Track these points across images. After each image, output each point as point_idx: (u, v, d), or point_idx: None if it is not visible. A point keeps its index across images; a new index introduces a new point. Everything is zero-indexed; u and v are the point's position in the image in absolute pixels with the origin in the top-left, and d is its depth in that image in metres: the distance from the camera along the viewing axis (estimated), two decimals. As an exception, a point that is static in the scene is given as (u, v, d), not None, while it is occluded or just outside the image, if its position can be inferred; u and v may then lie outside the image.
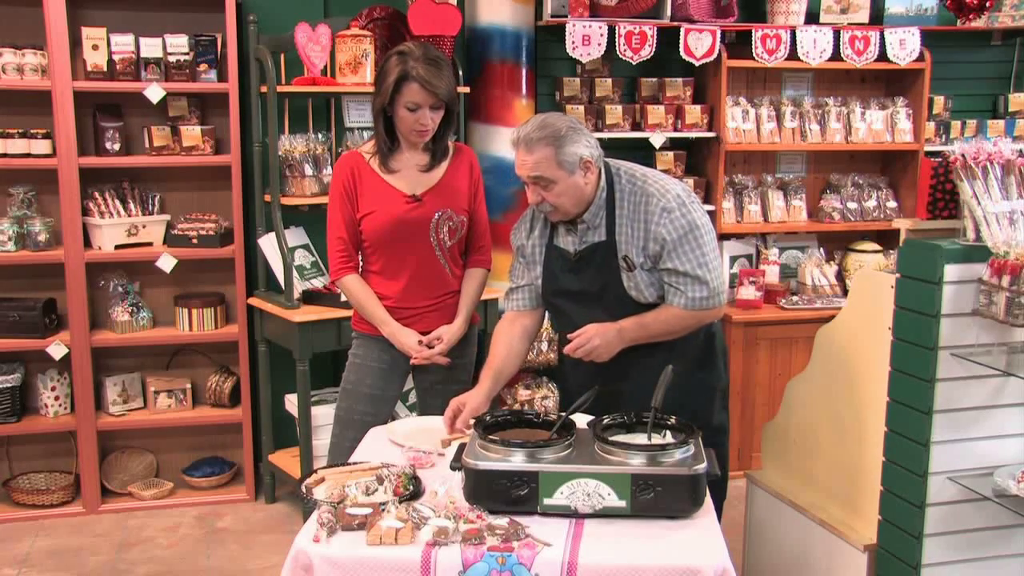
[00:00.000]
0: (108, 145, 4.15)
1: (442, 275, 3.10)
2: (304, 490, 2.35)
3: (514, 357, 2.86)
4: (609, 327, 2.69)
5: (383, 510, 2.13)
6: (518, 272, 2.92)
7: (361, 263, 3.17)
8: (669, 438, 2.34)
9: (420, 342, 3.04)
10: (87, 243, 4.18)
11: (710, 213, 4.67)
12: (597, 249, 2.72)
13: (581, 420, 2.41)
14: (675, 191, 2.69)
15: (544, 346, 4.48)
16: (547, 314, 2.98)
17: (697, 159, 4.84)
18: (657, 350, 2.73)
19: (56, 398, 4.28)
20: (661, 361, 2.59)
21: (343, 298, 3.84)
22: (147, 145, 4.22)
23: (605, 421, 2.38)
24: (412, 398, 4.04)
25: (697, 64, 4.55)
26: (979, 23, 4.73)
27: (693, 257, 2.65)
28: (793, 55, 4.63)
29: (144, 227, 4.27)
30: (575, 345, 2.70)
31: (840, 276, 4.85)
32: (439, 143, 3.05)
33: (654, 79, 4.72)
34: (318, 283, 4.25)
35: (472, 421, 2.55)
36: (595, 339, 2.68)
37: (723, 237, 4.80)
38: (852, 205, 4.92)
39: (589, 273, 2.74)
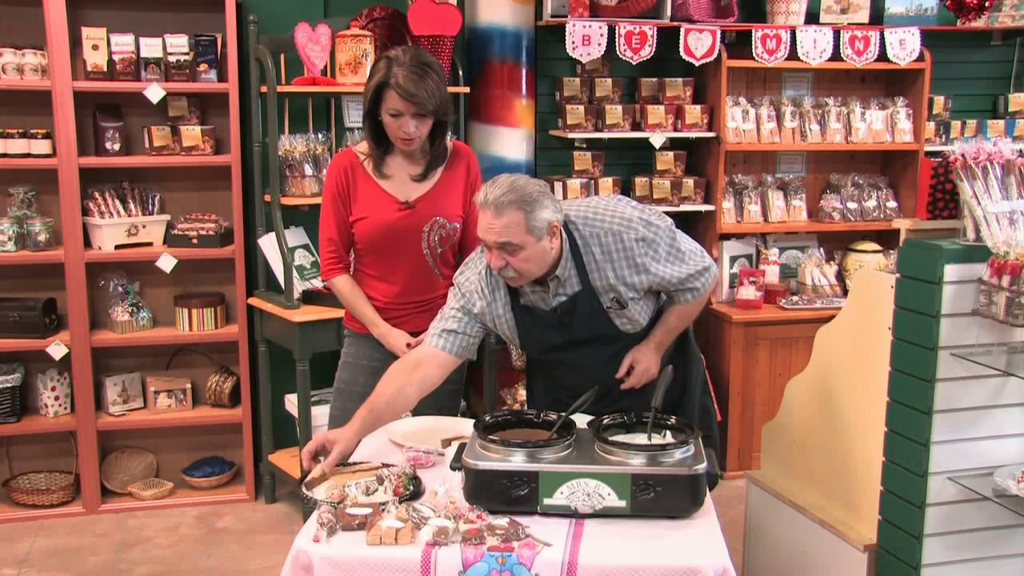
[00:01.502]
0: (108, 145, 4.15)
1: (432, 279, 3.09)
2: (304, 488, 2.35)
3: (398, 406, 2.62)
4: (647, 348, 2.75)
5: (383, 510, 2.13)
6: (461, 320, 2.68)
7: (354, 264, 3.17)
8: (669, 438, 2.34)
9: (409, 345, 3.03)
10: (87, 243, 4.18)
11: (710, 213, 4.72)
12: (577, 299, 2.62)
13: (581, 420, 2.41)
14: (632, 215, 2.61)
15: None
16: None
17: (697, 159, 4.84)
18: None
19: (56, 398, 4.28)
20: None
21: (343, 298, 3.84)
22: (147, 145, 4.22)
23: (605, 421, 2.38)
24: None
25: (697, 64, 4.55)
26: (979, 23, 4.74)
27: (682, 258, 2.65)
28: (793, 55, 4.63)
29: (144, 227, 4.27)
30: (636, 381, 2.75)
31: (840, 276, 4.85)
32: (432, 152, 3.01)
33: (654, 79, 4.72)
34: (318, 283, 4.25)
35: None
36: (643, 363, 2.74)
37: (723, 237, 4.80)
38: (852, 205, 4.92)
39: (575, 324, 2.65)
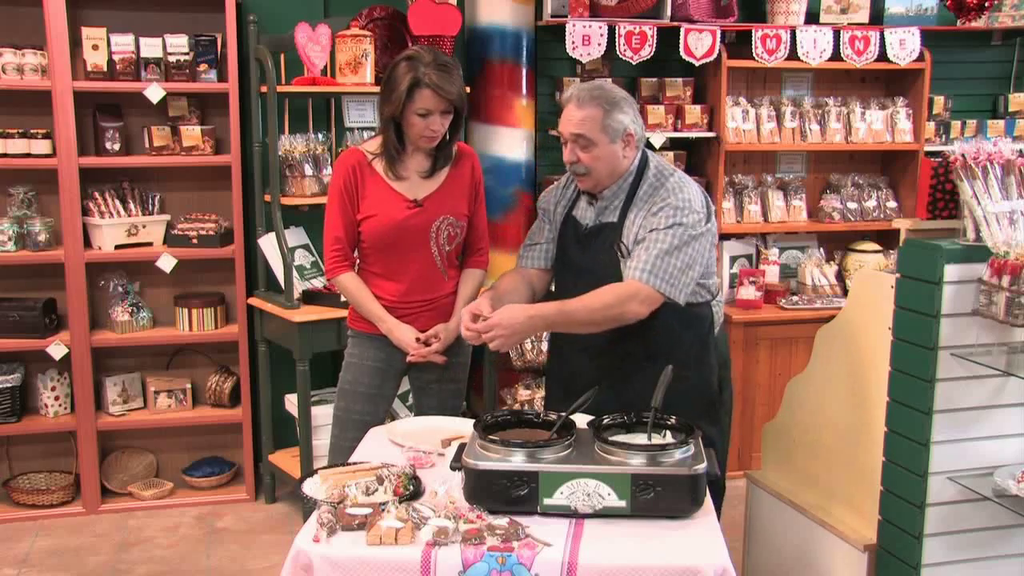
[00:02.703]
0: (108, 145, 4.15)
1: (439, 278, 3.10)
2: (304, 492, 2.35)
3: (516, 295, 2.81)
4: (518, 316, 2.60)
5: (383, 510, 2.13)
6: (537, 230, 2.96)
7: (359, 263, 3.17)
8: (669, 438, 2.34)
9: (418, 339, 3.04)
10: (87, 243, 4.18)
11: (710, 213, 4.72)
12: (605, 229, 2.73)
13: (581, 420, 2.41)
14: (689, 195, 2.67)
15: (544, 346, 4.48)
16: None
17: (697, 159, 4.84)
18: (637, 356, 2.72)
19: (56, 398, 4.28)
20: (641, 363, 2.66)
21: (343, 298, 3.84)
22: (147, 145, 4.22)
23: (605, 421, 2.38)
24: (412, 398, 4.05)
25: (697, 64, 4.55)
26: (979, 23, 4.74)
27: (665, 243, 2.60)
28: (793, 55, 4.63)
29: (144, 227, 4.27)
30: (472, 335, 2.64)
31: (840, 276, 4.85)
32: (444, 148, 3.04)
33: (654, 79, 4.72)
34: (318, 283, 4.25)
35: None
36: (498, 329, 2.59)
37: (723, 237, 4.80)
38: (852, 205, 4.92)
39: (593, 250, 2.75)
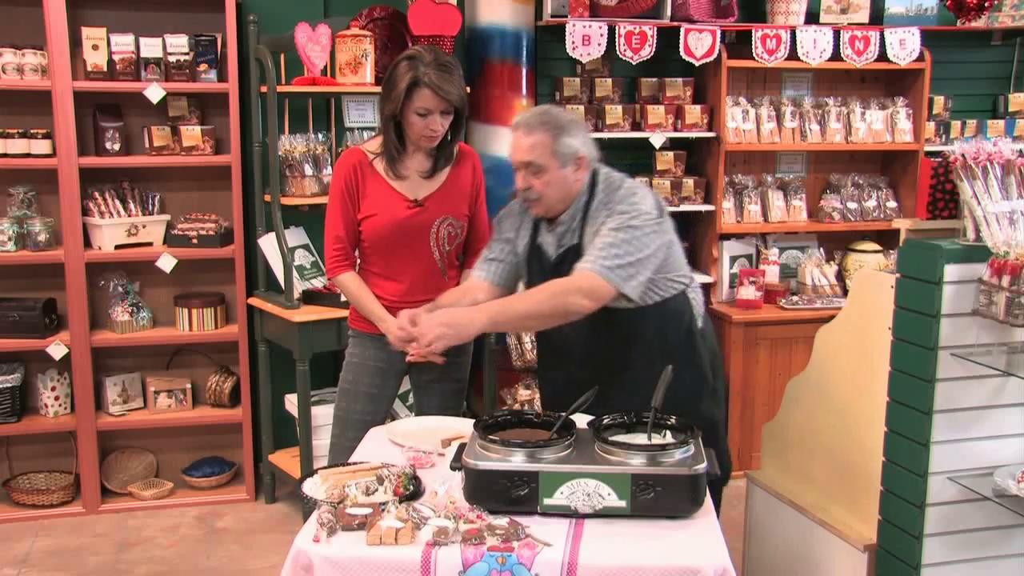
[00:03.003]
0: (108, 145, 4.15)
1: (439, 278, 3.10)
2: (304, 492, 2.35)
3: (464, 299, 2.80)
4: (457, 313, 2.62)
5: (383, 510, 2.13)
6: (497, 249, 2.90)
7: (359, 262, 3.17)
8: (669, 438, 2.34)
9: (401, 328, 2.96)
10: (87, 243, 4.18)
11: (710, 213, 4.72)
12: (569, 253, 2.71)
13: (581, 420, 2.41)
14: (637, 199, 2.64)
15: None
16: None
17: (697, 159, 4.84)
18: (630, 351, 2.72)
19: (56, 398, 4.28)
20: (640, 362, 2.65)
21: (343, 298, 3.84)
22: (147, 145, 4.22)
23: (605, 421, 2.38)
24: (412, 398, 4.05)
25: (697, 64, 4.55)
26: (979, 23, 4.74)
27: (610, 238, 2.58)
28: (793, 55, 4.63)
29: (144, 227, 4.27)
30: (407, 331, 2.63)
31: (840, 276, 4.85)
32: (445, 148, 3.04)
33: (654, 79, 4.72)
34: (318, 283, 4.25)
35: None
36: (440, 328, 2.56)
37: (723, 237, 4.80)
38: (852, 205, 4.92)
39: (563, 276, 2.68)
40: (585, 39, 4.39)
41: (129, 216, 4.23)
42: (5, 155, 4.05)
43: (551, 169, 2.64)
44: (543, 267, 2.78)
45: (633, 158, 4.83)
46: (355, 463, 2.51)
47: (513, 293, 2.92)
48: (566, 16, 4.41)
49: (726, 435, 3.06)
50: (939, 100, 5.04)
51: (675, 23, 4.49)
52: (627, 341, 2.74)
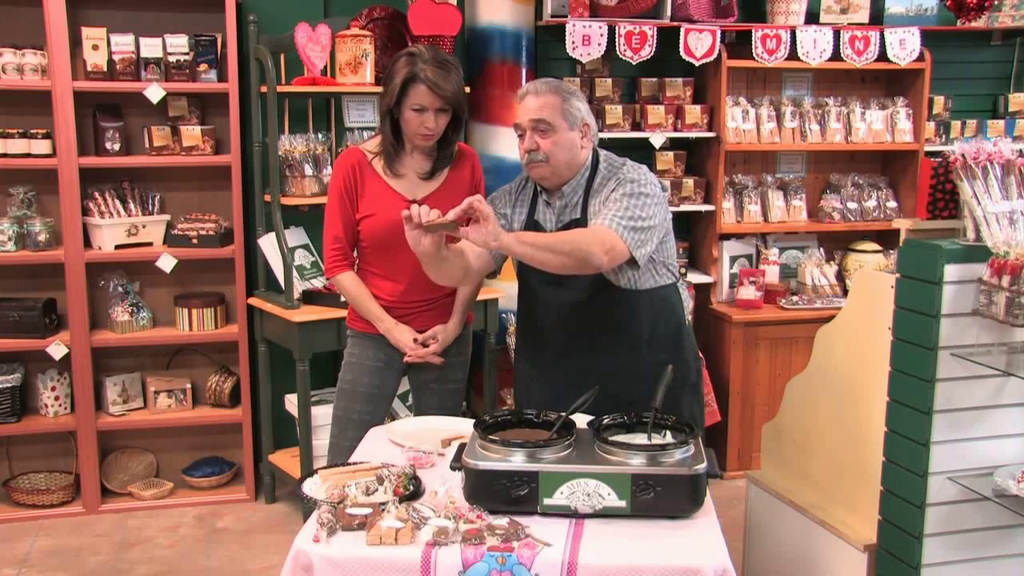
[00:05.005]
0: (108, 145, 4.15)
1: None
2: (304, 492, 2.35)
3: (449, 263, 2.66)
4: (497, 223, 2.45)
5: (383, 510, 2.13)
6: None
7: (358, 262, 3.17)
8: (669, 438, 2.34)
9: (416, 340, 3.04)
10: (87, 243, 4.18)
11: (710, 213, 4.72)
12: (571, 227, 2.72)
13: (581, 420, 2.41)
14: (643, 174, 2.70)
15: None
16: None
17: (697, 159, 4.84)
18: (624, 345, 2.73)
19: (56, 398, 4.28)
20: (632, 357, 2.66)
21: (343, 298, 3.84)
22: (147, 145, 4.22)
23: (605, 421, 2.38)
24: (412, 398, 4.05)
25: (697, 64, 4.55)
26: (979, 23, 4.74)
27: (625, 203, 2.59)
28: (793, 55, 4.63)
29: (144, 227, 4.27)
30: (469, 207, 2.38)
31: (840, 276, 4.85)
32: (444, 149, 3.04)
33: (654, 79, 4.72)
34: (318, 283, 4.25)
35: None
36: (493, 217, 2.40)
37: (723, 237, 4.80)
38: (852, 205, 4.92)
39: None
40: (585, 39, 4.39)
41: (129, 216, 4.23)
42: (5, 155, 4.05)
43: (560, 129, 2.66)
44: None
45: (633, 158, 4.74)
46: (355, 463, 2.51)
47: (500, 271, 2.92)
48: (566, 16, 4.41)
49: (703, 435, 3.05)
50: (939, 100, 5.04)
51: (675, 23, 4.49)
52: (621, 324, 2.74)
